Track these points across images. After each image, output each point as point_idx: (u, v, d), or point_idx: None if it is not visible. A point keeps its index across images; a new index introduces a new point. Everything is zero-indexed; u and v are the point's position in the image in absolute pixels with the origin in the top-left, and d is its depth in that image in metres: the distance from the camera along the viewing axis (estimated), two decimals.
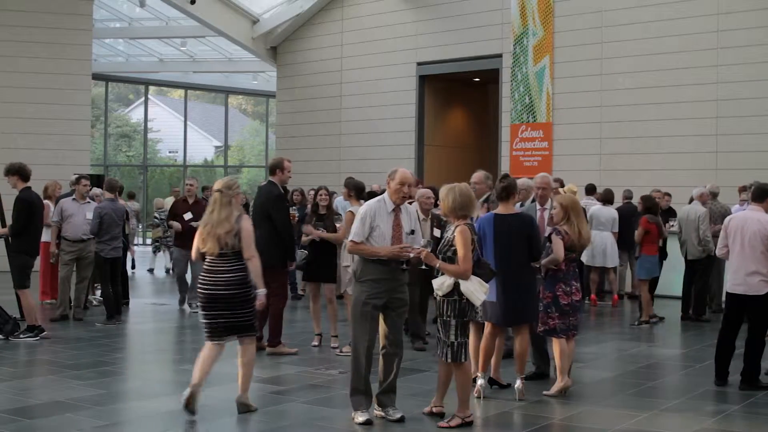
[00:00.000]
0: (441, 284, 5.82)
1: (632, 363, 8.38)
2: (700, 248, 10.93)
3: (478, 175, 8.07)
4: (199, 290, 6.16)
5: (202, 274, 6.14)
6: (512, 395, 6.68)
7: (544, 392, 6.83)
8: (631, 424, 6.04)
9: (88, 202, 10.82)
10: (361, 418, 5.90)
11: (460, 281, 5.76)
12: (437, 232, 8.33)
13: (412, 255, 5.92)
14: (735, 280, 7.16)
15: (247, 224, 6.13)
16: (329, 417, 6.12)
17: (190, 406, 5.94)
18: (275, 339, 8.39)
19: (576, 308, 6.92)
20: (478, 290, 5.79)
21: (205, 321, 6.14)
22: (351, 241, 6.05)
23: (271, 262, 8.07)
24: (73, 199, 10.79)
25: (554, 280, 6.85)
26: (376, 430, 5.83)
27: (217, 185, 6.16)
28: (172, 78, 26.06)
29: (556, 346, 6.86)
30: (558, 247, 6.75)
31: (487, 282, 5.89)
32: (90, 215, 10.47)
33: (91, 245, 10.54)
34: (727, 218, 7.40)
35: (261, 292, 6.12)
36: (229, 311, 6.05)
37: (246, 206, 17.26)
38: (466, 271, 5.75)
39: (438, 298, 5.88)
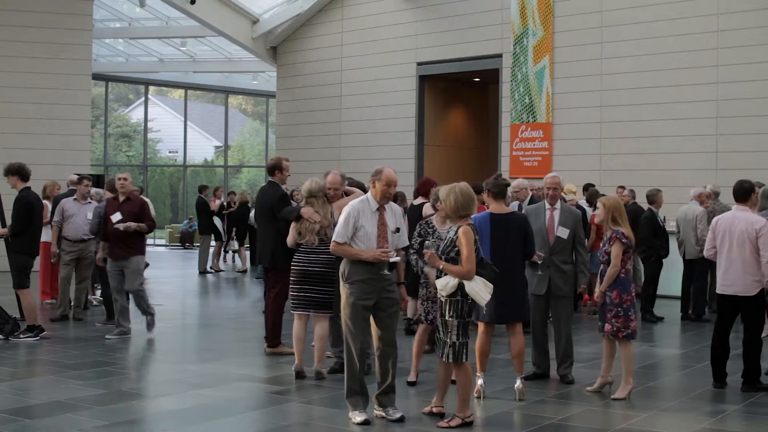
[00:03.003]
0: (445, 285, 5.81)
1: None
2: (698, 248, 10.91)
3: (334, 177, 7.67)
4: (293, 267, 7.31)
5: (298, 254, 7.32)
6: (512, 395, 6.68)
7: (613, 397, 6.76)
8: (631, 424, 6.04)
9: (89, 202, 10.82)
10: (358, 418, 5.89)
11: (465, 282, 5.76)
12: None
13: (391, 259, 5.93)
14: (725, 281, 7.08)
15: (335, 212, 7.24)
16: (329, 417, 6.12)
17: (301, 375, 7.25)
18: (275, 339, 8.41)
19: None
20: (483, 290, 5.78)
21: (293, 294, 7.32)
22: (334, 241, 6.05)
23: (276, 262, 8.08)
24: (74, 199, 10.79)
25: (627, 281, 6.82)
26: (375, 430, 5.83)
27: (305, 191, 7.36)
28: (172, 78, 26.08)
29: (630, 349, 6.82)
30: (616, 254, 6.69)
31: (489, 282, 5.89)
32: (91, 215, 10.48)
33: (92, 245, 10.55)
34: (715, 219, 7.30)
35: None
36: (316, 287, 7.22)
37: (244, 203, 17.38)
38: (470, 271, 5.75)
39: (441, 298, 5.88)
